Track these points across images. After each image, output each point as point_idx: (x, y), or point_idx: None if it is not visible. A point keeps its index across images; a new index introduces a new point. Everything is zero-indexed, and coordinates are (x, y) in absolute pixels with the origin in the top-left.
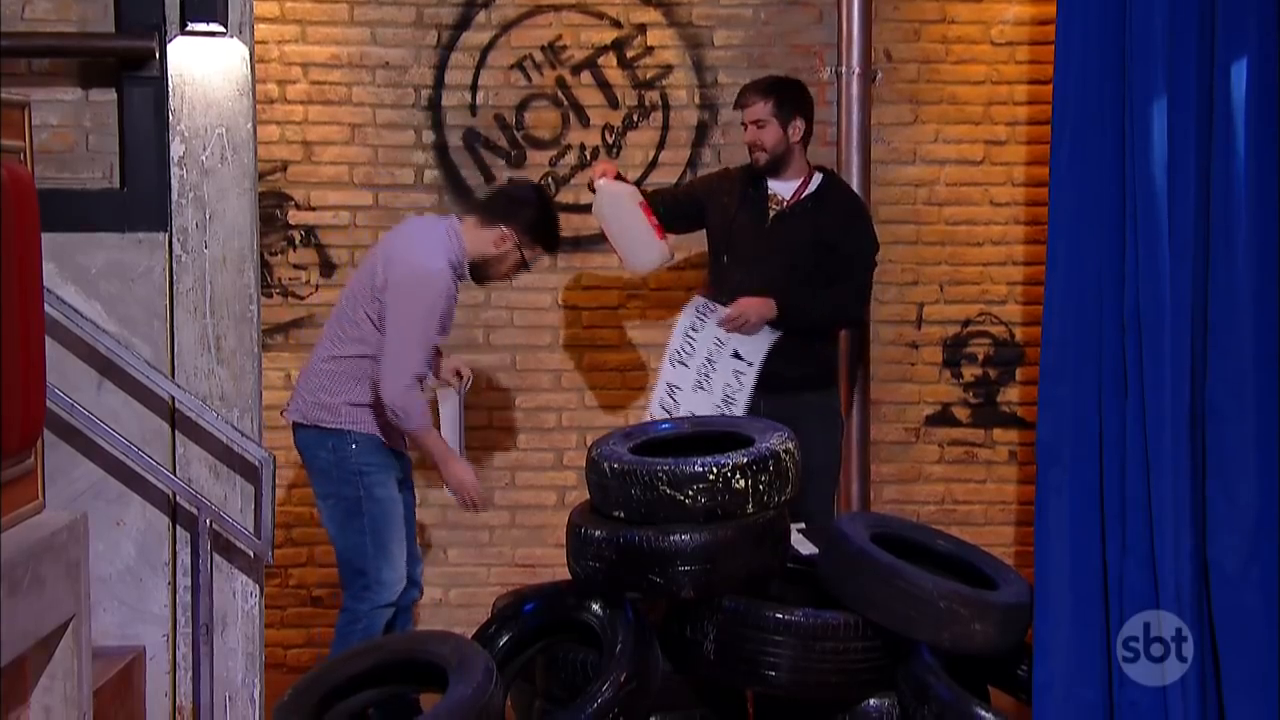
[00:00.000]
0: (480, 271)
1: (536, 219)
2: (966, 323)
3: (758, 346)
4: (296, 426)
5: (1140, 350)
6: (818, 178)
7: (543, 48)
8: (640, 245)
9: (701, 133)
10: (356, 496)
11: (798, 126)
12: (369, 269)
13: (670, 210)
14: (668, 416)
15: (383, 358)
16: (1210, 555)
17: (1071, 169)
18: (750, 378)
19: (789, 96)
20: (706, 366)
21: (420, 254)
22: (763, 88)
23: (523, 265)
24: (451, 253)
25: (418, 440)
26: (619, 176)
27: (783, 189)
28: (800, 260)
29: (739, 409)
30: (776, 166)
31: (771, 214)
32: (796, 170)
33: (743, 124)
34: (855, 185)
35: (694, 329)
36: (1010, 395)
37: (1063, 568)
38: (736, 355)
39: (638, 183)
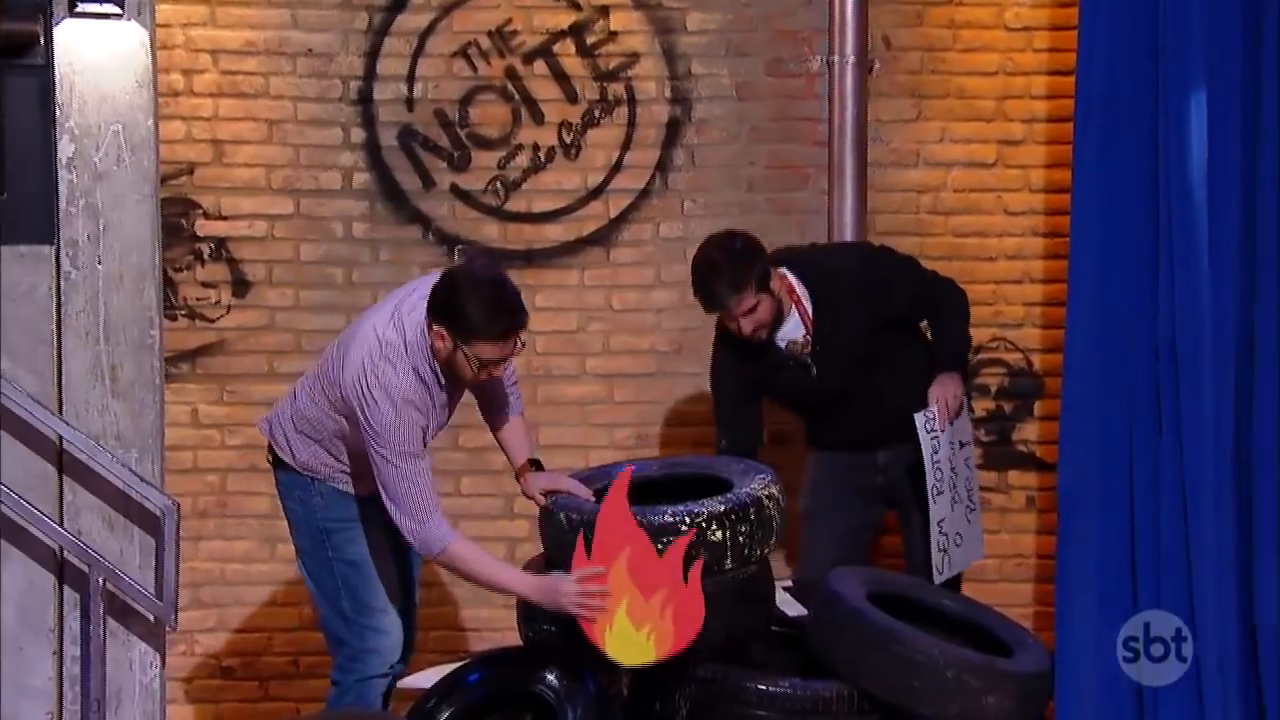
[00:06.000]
0: (451, 375)
1: (471, 315)
2: (978, 349)
3: (965, 421)
4: (271, 464)
5: (1176, 381)
6: (801, 289)
7: (490, 33)
8: None
9: (673, 131)
10: (326, 557)
11: (773, 281)
12: (339, 354)
13: (753, 423)
14: (946, 561)
15: (386, 504)
16: (1259, 619)
17: (1097, 173)
18: (971, 454)
19: (759, 263)
20: (953, 477)
21: (374, 374)
22: (742, 276)
23: (479, 365)
24: (417, 360)
25: (484, 584)
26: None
27: (792, 331)
28: (877, 356)
29: (977, 499)
30: (777, 325)
31: (809, 362)
32: (786, 305)
33: (726, 319)
34: (850, 192)
35: (935, 452)
36: (1028, 433)
37: (1087, 631)
38: (962, 444)
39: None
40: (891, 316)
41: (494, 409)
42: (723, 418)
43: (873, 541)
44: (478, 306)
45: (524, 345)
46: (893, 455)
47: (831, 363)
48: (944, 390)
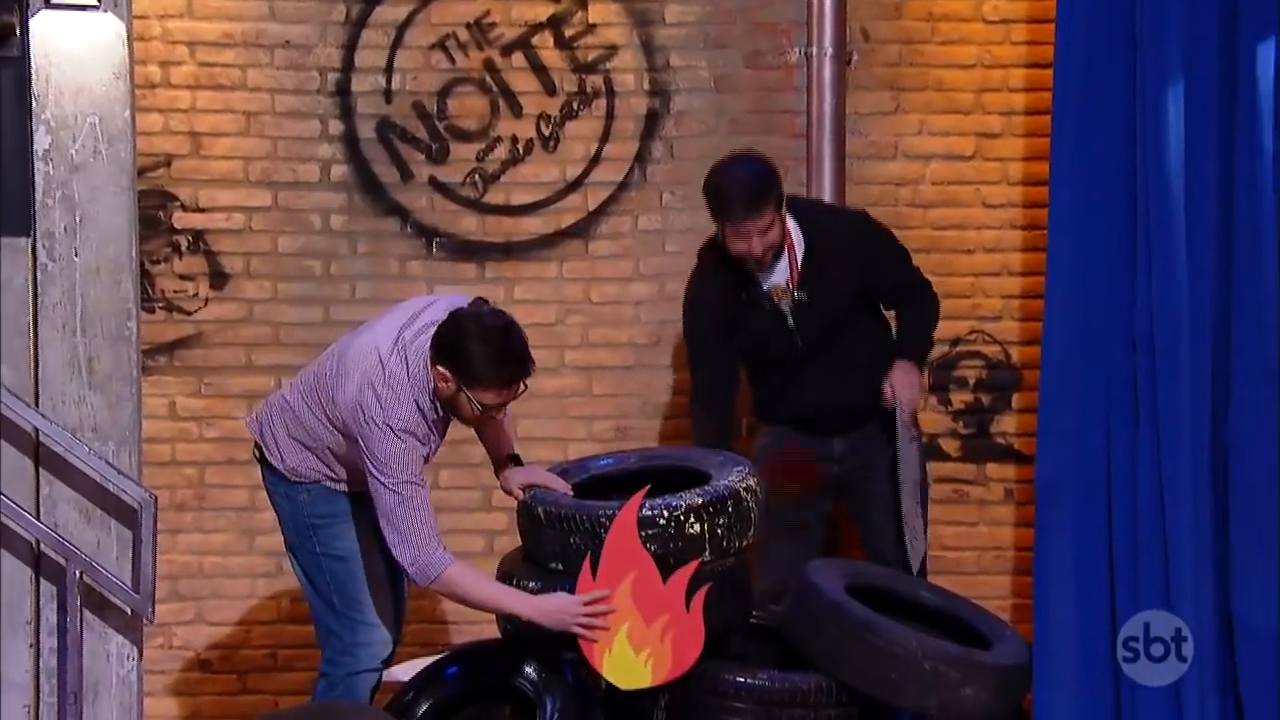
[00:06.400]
0: (453, 413)
1: (478, 363)
2: (956, 341)
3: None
4: (258, 461)
5: (1154, 374)
6: (797, 235)
7: (468, 25)
8: None
9: (651, 123)
10: (315, 553)
11: (783, 206)
12: (340, 371)
13: (731, 360)
14: (913, 553)
15: (384, 530)
16: (1236, 609)
17: (1075, 165)
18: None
19: (780, 185)
20: (910, 467)
21: (377, 403)
22: (762, 193)
23: (480, 409)
24: (419, 392)
25: (484, 608)
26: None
27: (777, 275)
28: (848, 325)
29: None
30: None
31: (786, 310)
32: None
33: (736, 234)
34: (828, 184)
35: (905, 445)
36: (1006, 425)
37: (1066, 623)
38: (913, 438)
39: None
40: (873, 289)
41: None
42: (699, 356)
43: (826, 536)
44: (484, 354)
45: (527, 389)
46: (848, 446)
47: (808, 317)
48: (908, 379)
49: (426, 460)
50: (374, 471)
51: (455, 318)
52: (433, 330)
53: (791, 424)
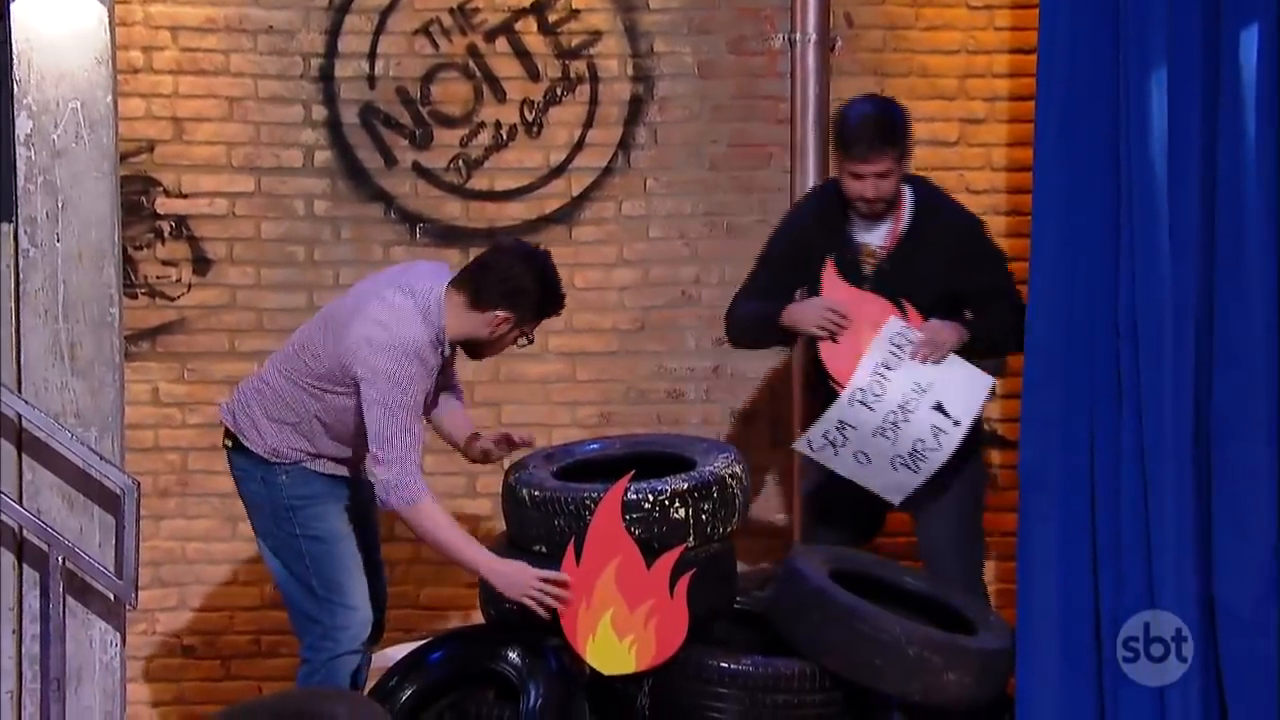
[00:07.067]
0: (474, 350)
1: (538, 296)
2: None
3: (971, 403)
4: (226, 449)
5: (1137, 359)
6: (908, 207)
7: (452, 10)
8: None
9: (635, 109)
10: (294, 535)
11: (908, 159)
12: (329, 329)
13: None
14: (822, 453)
15: (372, 454)
16: (1218, 594)
17: (1058, 151)
18: (954, 440)
19: (909, 136)
20: (897, 414)
21: (386, 330)
22: (887, 135)
23: (526, 340)
24: (431, 327)
25: (444, 552)
26: None
27: (874, 236)
28: (923, 307)
29: (926, 473)
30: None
31: (869, 273)
32: (892, 204)
33: (851, 174)
34: (812, 170)
35: (888, 366)
36: (990, 411)
37: (1049, 608)
38: (940, 409)
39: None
40: (961, 288)
41: (441, 400)
42: (759, 282)
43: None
44: (545, 285)
45: None
46: None
47: (884, 287)
48: (943, 328)
49: (425, 401)
50: (372, 391)
51: (521, 260)
52: (439, 281)
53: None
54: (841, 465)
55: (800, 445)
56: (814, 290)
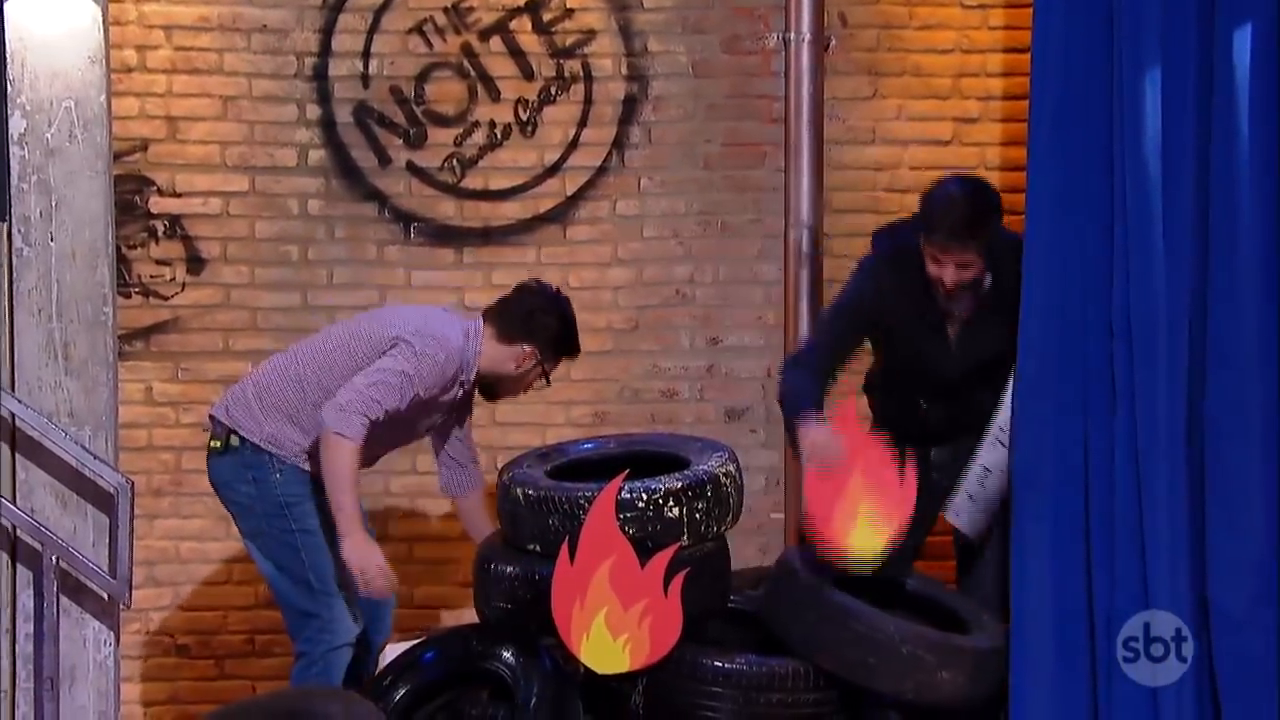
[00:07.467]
0: (493, 389)
1: (560, 333)
2: None
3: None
4: (212, 454)
5: (1130, 359)
6: (989, 270)
7: (446, 9)
8: None
9: (629, 108)
10: (288, 530)
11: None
12: (370, 336)
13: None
14: (968, 507)
15: (346, 385)
16: (1211, 593)
17: (1052, 151)
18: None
19: (991, 223)
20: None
21: (439, 328)
22: (972, 229)
23: (543, 380)
24: (468, 350)
25: (330, 488)
26: None
27: (957, 305)
28: (989, 372)
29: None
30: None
31: (951, 333)
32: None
33: (932, 257)
34: (806, 170)
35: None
36: None
37: (1043, 607)
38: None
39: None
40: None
41: (457, 473)
42: (831, 327)
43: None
44: (569, 329)
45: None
46: (945, 453)
47: (968, 348)
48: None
49: (426, 432)
50: (388, 363)
51: (541, 296)
52: (477, 317)
53: (898, 434)
54: (966, 520)
55: (955, 507)
56: (889, 341)
